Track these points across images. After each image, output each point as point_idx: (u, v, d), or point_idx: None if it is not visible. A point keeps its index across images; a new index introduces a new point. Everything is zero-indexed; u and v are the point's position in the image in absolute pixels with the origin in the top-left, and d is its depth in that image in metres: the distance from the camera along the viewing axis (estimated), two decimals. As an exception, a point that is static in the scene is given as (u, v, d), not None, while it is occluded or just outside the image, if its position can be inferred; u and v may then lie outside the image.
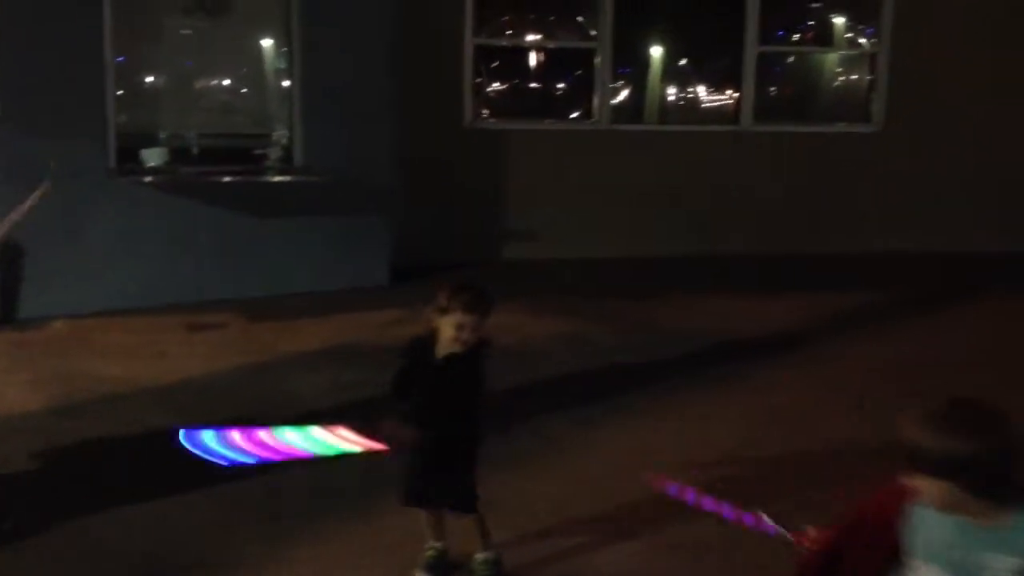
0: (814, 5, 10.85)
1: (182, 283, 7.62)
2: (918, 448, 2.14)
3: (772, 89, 10.75)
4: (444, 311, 3.41)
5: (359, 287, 8.05)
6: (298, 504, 4.24)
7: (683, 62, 10.75)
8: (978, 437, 2.12)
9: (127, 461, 4.79)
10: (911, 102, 10.19)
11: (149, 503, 4.22)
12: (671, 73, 10.65)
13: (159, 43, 8.39)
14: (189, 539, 3.98)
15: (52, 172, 5.24)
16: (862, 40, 10.73)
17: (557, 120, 10.19)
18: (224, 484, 4.14)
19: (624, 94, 10.54)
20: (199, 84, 8.79)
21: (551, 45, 10.40)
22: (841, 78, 11.15)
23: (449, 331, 3.40)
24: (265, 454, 3.01)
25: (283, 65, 8.33)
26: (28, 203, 4.91)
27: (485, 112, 10.02)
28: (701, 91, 10.89)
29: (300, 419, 3.19)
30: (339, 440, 3.02)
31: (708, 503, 3.08)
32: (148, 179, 7.60)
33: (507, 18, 10.15)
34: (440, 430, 3.40)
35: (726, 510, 3.00)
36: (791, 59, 10.99)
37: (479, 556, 3.65)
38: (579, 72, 10.16)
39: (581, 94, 10.06)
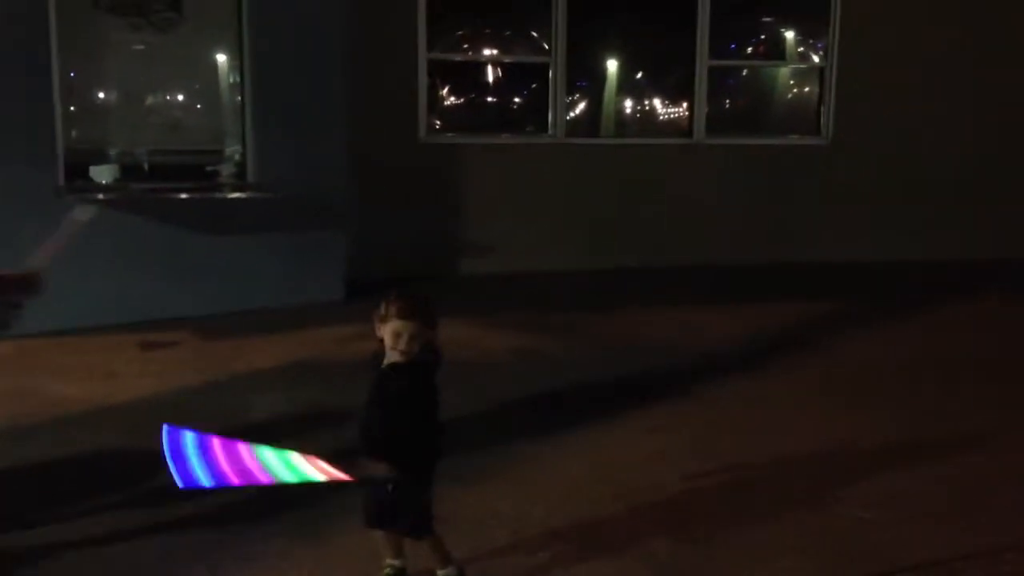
0: (765, 20, 10.98)
1: (134, 302, 7.52)
2: None
3: (726, 102, 10.87)
4: (384, 320, 3.39)
5: (314, 303, 8.01)
6: (243, 524, 4.14)
7: (638, 76, 10.83)
8: None
9: (76, 480, 4.70)
10: (858, 115, 10.35)
11: (98, 520, 4.13)
12: (625, 87, 10.73)
13: (108, 59, 8.29)
14: (133, 561, 3.91)
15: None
16: (812, 55, 10.87)
17: (512, 134, 10.21)
18: (176, 504, 4.05)
19: (579, 108, 10.60)
20: (150, 100, 8.69)
21: (506, 60, 10.43)
22: (793, 91, 11.30)
23: (389, 340, 3.37)
24: (233, 477, 2.89)
25: (235, 80, 8.28)
26: (66, 229, 4.48)
27: (440, 126, 10.02)
28: (656, 104, 10.98)
29: (255, 438, 3.13)
30: (312, 469, 2.94)
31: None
32: (99, 196, 7.50)
33: (461, 33, 10.17)
34: (383, 449, 3.35)
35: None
36: (744, 73, 11.11)
37: (440, 573, 3.62)
38: (534, 86, 10.20)
39: (536, 108, 10.10)
